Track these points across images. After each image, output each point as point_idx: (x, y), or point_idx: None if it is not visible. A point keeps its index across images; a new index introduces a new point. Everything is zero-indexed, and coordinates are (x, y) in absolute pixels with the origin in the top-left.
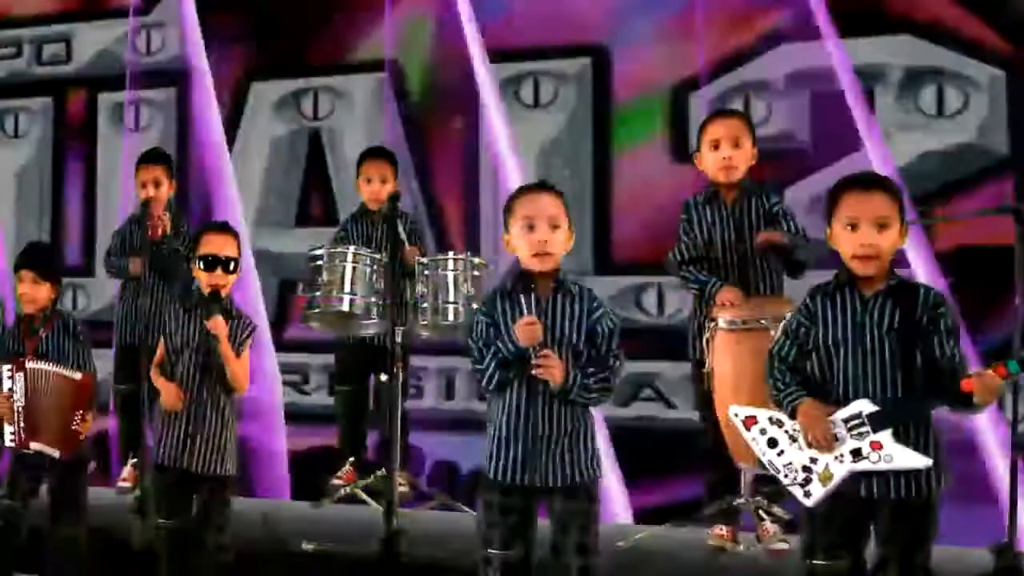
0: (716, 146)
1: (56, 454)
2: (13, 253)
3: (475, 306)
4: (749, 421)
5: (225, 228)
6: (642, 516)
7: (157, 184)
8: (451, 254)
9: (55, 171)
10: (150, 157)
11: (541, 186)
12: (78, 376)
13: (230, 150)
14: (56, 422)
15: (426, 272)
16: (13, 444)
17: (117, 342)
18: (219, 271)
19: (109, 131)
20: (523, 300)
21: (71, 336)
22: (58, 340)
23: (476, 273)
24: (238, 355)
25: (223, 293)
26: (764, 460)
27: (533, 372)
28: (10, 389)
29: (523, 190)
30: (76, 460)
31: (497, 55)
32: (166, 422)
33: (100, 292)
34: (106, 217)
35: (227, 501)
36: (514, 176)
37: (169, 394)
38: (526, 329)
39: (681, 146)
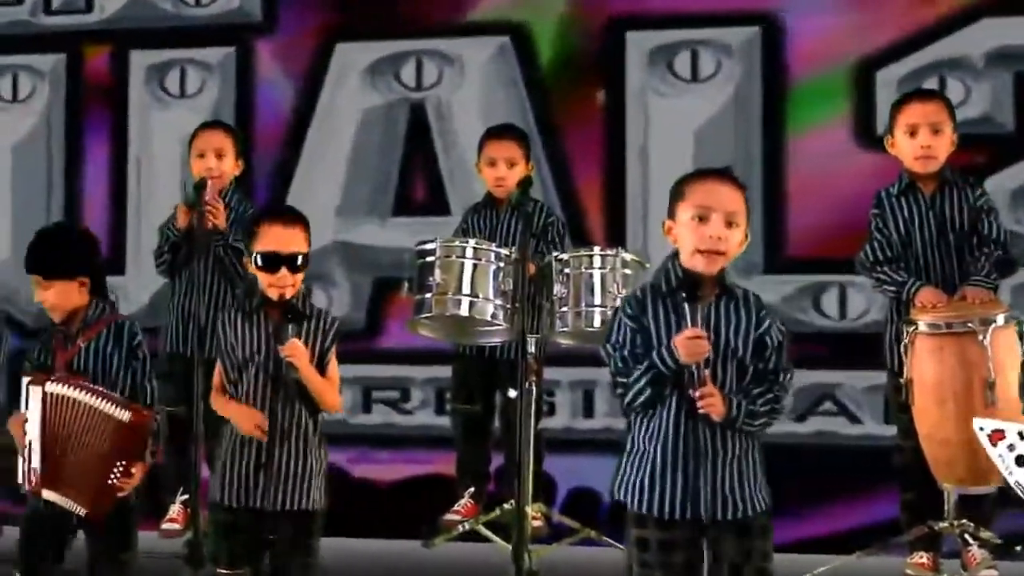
0: (913, 132)
1: (80, 511)
2: (13, 246)
3: None
4: (996, 436)
5: (290, 216)
6: (822, 545)
7: (220, 155)
8: (597, 249)
9: (69, 146)
10: (216, 123)
11: (723, 174)
12: (125, 416)
13: (306, 125)
14: (85, 470)
15: (566, 270)
16: (26, 488)
17: (164, 353)
18: (283, 271)
19: (144, 99)
20: (685, 305)
21: (125, 350)
22: (104, 353)
23: (627, 271)
24: (324, 365)
25: (289, 295)
26: (1011, 480)
27: (698, 406)
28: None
29: (701, 175)
30: (120, 513)
31: (646, 20)
32: (230, 451)
33: (132, 292)
34: (141, 206)
35: (310, 547)
36: (666, 161)
37: (246, 418)
38: (690, 344)
39: (866, 129)
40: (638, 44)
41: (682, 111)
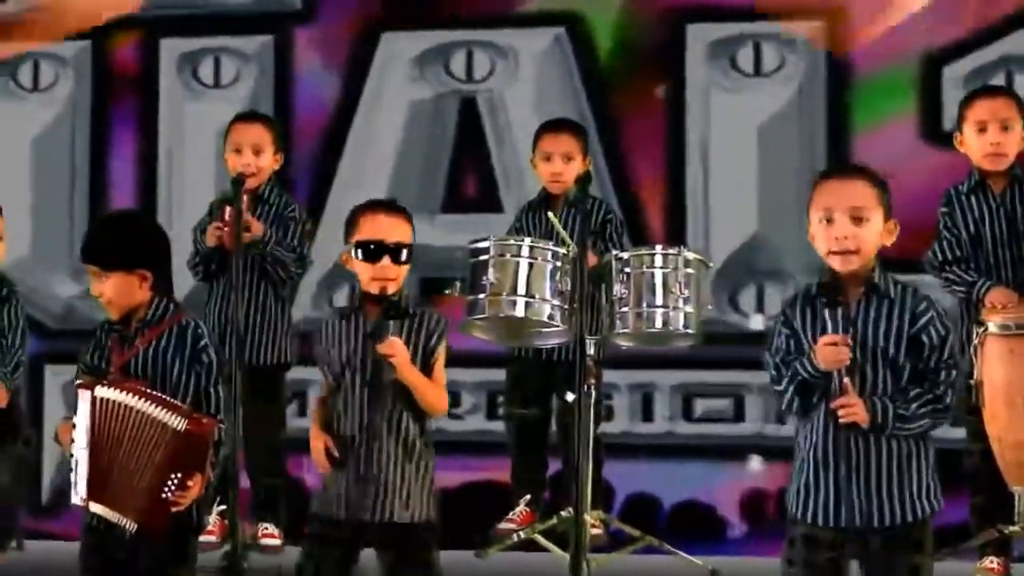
0: (982, 129)
1: (130, 527)
2: (33, 243)
3: (689, 310)
4: None
5: (393, 207)
6: None
7: (257, 151)
8: (659, 248)
9: (94, 138)
10: (254, 115)
11: (846, 171)
12: (181, 425)
13: (350, 118)
14: (135, 482)
15: (627, 270)
16: (75, 500)
17: None
18: (385, 260)
19: (176, 89)
20: (826, 310)
21: (188, 353)
22: (165, 357)
23: (690, 271)
24: (431, 367)
25: (391, 290)
26: None
27: (839, 416)
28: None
29: (823, 176)
30: (180, 530)
31: (708, 12)
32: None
33: None
34: (172, 202)
35: (422, 561)
36: (727, 158)
37: (313, 442)
38: (827, 350)
39: (932, 125)
40: (699, 37)
41: (744, 106)
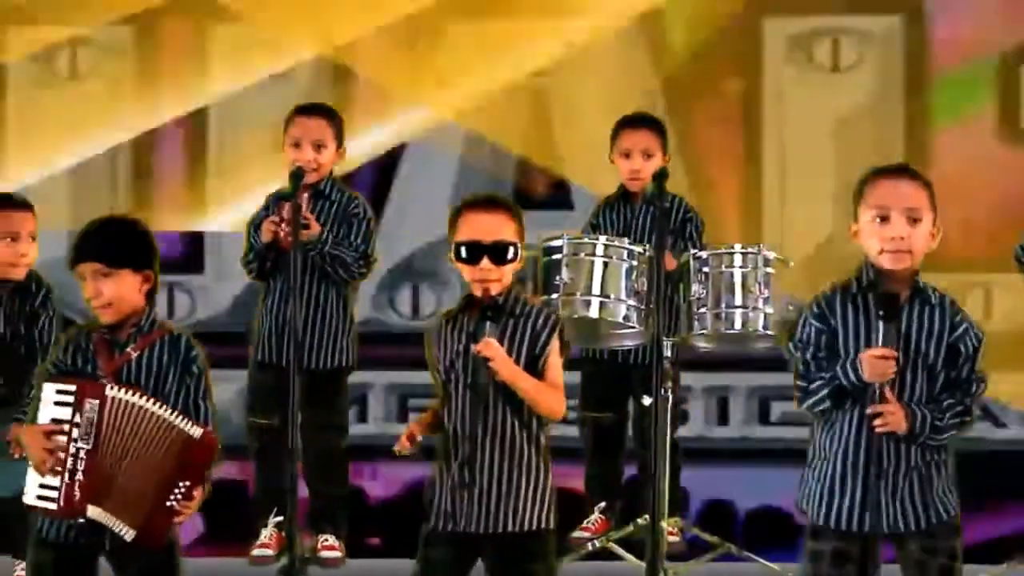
0: None
1: (128, 534)
2: (71, 241)
3: (768, 311)
4: None
5: (492, 203)
6: (968, 555)
7: (319, 146)
8: (737, 247)
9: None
10: (315, 108)
11: (901, 171)
12: (197, 432)
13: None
14: (140, 488)
15: (704, 269)
16: (56, 507)
17: (255, 361)
18: (485, 261)
19: (228, 76)
20: (872, 311)
21: (180, 364)
22: (158, 366)
23: (769, 270)
24: (542, 366)
25: (495, 291)
26: None
27: (875, 426)
28: (67, 422)
29: (878, 174)
30: (165, 551)
31: (785, 5)
32: (437, 471)
33: (212, 293)
34: (225, 196)
35: (542, 573)
36: (804, 155)
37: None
38: (877, 363)
39: (1011, 122)
40: (776, 31)
41: (822, 102)
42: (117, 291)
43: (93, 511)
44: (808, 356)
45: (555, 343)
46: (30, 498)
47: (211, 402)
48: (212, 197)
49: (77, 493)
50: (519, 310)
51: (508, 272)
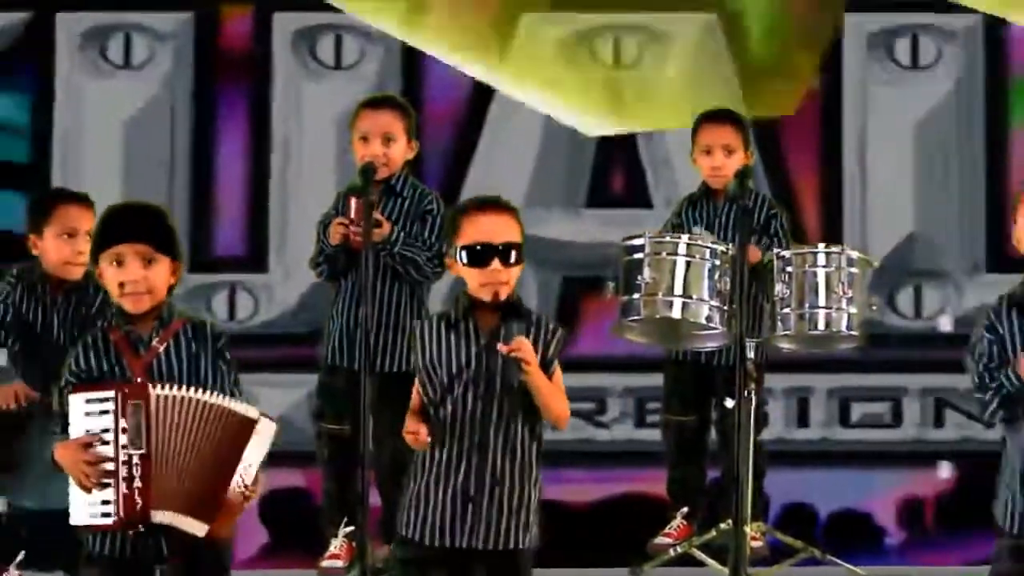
0: None
1: (200, 530)
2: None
3: (852, 311)
4: None
5: (496, 205)
6: None
7: (388, 140)
8: (821, 247)
9: (197, 123)
10: (383, 100)
11: None
12: (254, 412)
13: (487, 102)
14: (208, 482)
15: (788, 269)
16: (114, 520)
17: (325, 364)
18: (495, 264)
19: (291, 68)
20: None
21: (212, 351)
22: (189, 357)
23: (853, 270)
24: (552, 373)
25: (503, 295)
26: None
27: None
28: (107, 430)
29: None
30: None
31: (864, 2)
32: (431, 480)
33: (277, 293)
34: (287, 194)
35: None
36: (885, 153)
37: (411, 429)
38: None
39: None
40: (856, 27)
41: (902, 100)
42: (157, 279)
43: (158, 515)
44: (981, 368)
45: (556, 350)
46: (79, 517)
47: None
48: (276, 191)
49: (138, 501)
50: (534, 315)
51: (515, 274)
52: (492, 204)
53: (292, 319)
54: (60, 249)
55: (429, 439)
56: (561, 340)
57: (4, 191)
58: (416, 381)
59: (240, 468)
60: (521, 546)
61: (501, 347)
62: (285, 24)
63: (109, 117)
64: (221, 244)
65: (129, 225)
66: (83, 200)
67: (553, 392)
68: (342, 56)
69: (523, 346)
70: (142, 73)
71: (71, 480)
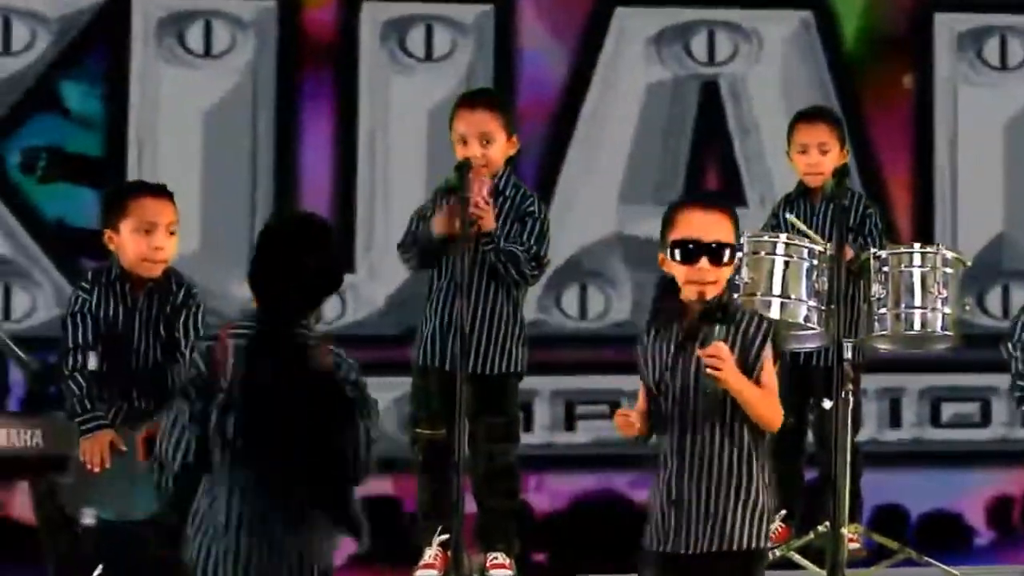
0: None
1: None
2: (204, 235)
3: (947, 311)
4: None
5: (714, 202)
6: None
7: (487, 140)
8: (917, 247)
9: (280, 115)
10: (478, 98)
11: None
12: None
13: (580, 99)
14: None
15: (884, 268)
16: None
17: (417, 366)
18: (703, 262)
19: (379, 59)
20: None
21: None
22: None
23: (948, 270)
24: (757, 375)
25: (710, 295)
26: None
27: None
28: None
29: None
30: None
31: (956, 1)
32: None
33: (364, 294)
34: (375, 191)
35: None
36: (975, 153)
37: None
38: None
39: None
40: (947, 27)
41: (992, 101)
42: None
43: None
44: (1019, 353)
45: (768, 348)
46: None
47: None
48: (362, 188)
49: None
50: (733, 314)
51: (725, 274)
52: (707, 201)
53: (380, 320)
54: (138, 245)
55: (638, 428)
56: (768, 332)
57: (77, 186)
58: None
59: None
60: (735, 548)
61: (699, 351)
62: (374, 14)
63: (188, 108)
64: None
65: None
66: (160, 192)
67: (756, 395)
68: (432, 48)
69: (718, 352)
70: (223, 62)
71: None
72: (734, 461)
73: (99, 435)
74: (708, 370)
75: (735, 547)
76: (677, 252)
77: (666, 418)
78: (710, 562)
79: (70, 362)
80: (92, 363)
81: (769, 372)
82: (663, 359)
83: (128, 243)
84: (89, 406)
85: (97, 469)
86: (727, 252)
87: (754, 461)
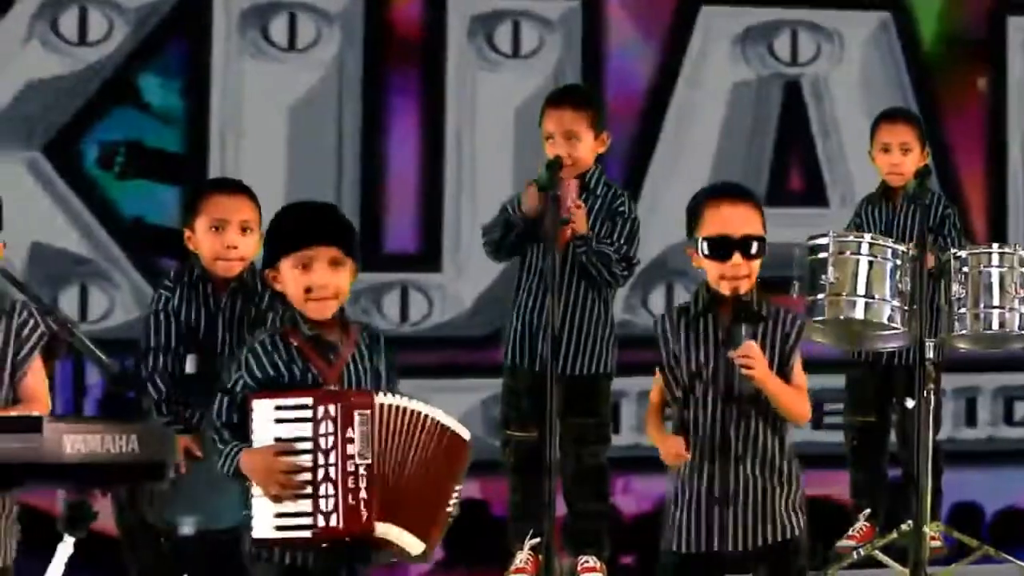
0: None
1: (416, 549)
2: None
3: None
4: None
5: (741, 194)
6: None
7: (572, 138)
8: (996, 247)
9: (366, 112)
10: (565, 96)
11: None
12: (466, 433)
13: (667, 98)
14: (426, 499)
15: (964, 269)
16: (310, 534)
17: (506, 366)
18: (736, 257)
19: (466, 55)
20: None
21: (387, 364)
22: (370, 366)
23: None
24: (788, 372)
25: (743, 289)
26: None
27: None
28: (306, 439)
29: None
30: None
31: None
32: (679, 486)
33: (451, 293)
34: (462, 189)
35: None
36: None
37: (669, 447)
38: None
39: None
40: (1021, 30)
41: None
42: (343, 283)
43: (382, 528)
44: None
45: (799, 344)
46: (264, 531)
47: None
48: (450, 185)
49: (364, 512)
50: (767, 311)
51: (756, 267)
52: (735, 193)
53: (467, 321)
54: (211, 243)
55: (688, 453)
56: (800, 330)
57: (156, 183)
58: (656, 378)
59: (452, 487)
60: (775, 540)
61: (730, 353)
62: (461, 9)
63: (271, 103)
64: (392, 241)
65: (320, 227)
66: (232, 187)
67: (788, 392)
68: (520, 45)
69: (750, 352)
70: (308, 56)
71: (255, 492)
72: (776, 452)
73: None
74: (743, 370)
75: (781, 537)
76: (709, 248)
77: (701, 416)
78: (758, 555)
79: (149, 363)
80: (189, 367)
81: (798, 368)
82: (700, 352)
83: (203, 242)
84: (166, 410)
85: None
86: (759, 245)
87: (790, 450)
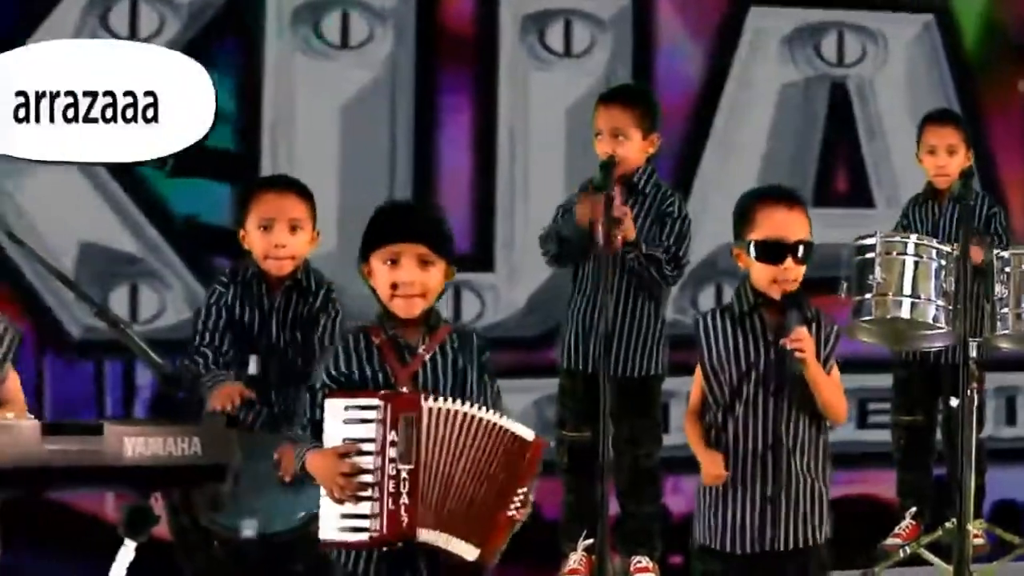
0: None
1: (470, 555)
2: (340, 234)
3: None
4: None
5: (793, 198)
6: None
7: (619, 135)
8: None
9: (419, 111)
10: (615, 94)
11: None
12: (529, 434)
13: (717, 97)
14: (481, 503)
15: (1007, 269)
16: (372, 536)
17: (561, 368)
18: (788, 262)
19: (518, 54)
20: None
21: (479, 367)
22: (455, 369)
23: None
24: (827, 371)
25: (790, 291)
26: None
27: None
28: (369, 440)
29: None
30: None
31: None
32: (724, 486)
33: (503, 294)
34: (514, 188)
35: None
36: None
37: (711, 466)
38: None
39: None
40: None
41: None
42: (432, 282)
43: (424, 534)
44: None
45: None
46: (329, 533)
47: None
48: (502, 185)
49: (404, 517)
50: (810, 312)
51: (803, 270)
52: (787, 197)
53: (520, 322)
54: (261, 242)
55: (727, 472)
56: (838, 335)
57: (209, 181)
58: (696, 381)
59: (515, 490)
60: (820, 541)
61: (783, 340)
62: (513, 7)
63: (324, 101)
64: None
65: (409, 224)
66: (281, 185)
67: (831, 387)
68: (571, 44)
69: (802, 336)
70: (361, 53)
71: (322, 492)
72: (822, 452)
73: (226, 386)
74: (796, 353)
75: (819, 539)
76: (762, 251)
77: (752, 416)
78: (797, 556)
79: (196, 341)
80: (252, 368)
81: (836, 370)
82: (749, 351)
83: (254, 240)
84: (215, 368)
85: (230, 409)
86: (808, 249)
87: (828, 450)
